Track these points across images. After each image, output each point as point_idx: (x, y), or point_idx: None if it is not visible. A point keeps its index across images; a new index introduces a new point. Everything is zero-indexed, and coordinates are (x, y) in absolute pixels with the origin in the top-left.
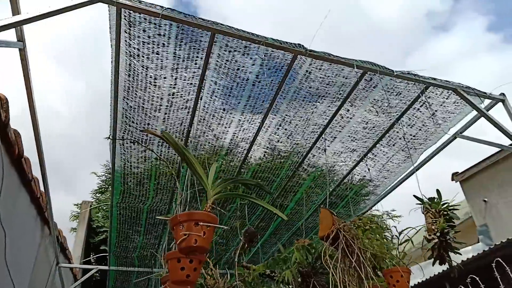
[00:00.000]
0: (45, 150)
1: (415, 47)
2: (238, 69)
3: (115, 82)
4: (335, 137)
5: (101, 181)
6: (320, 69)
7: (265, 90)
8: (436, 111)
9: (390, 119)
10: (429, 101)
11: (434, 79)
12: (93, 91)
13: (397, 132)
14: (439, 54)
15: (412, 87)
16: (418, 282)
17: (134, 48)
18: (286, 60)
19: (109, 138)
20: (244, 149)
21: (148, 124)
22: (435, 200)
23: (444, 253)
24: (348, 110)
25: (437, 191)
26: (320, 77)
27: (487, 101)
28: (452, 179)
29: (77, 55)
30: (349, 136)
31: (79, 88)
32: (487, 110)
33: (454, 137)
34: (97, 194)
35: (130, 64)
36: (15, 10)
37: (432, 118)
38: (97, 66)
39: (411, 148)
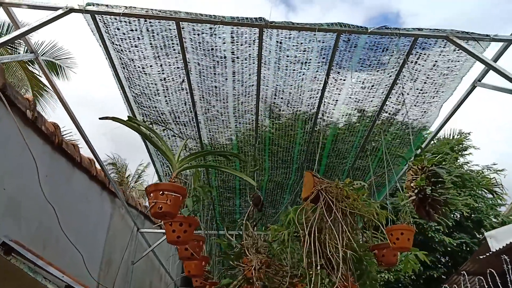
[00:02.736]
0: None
1: None
2: (212, 49)
3: (116, 74)
4: (336, 100)
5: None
6: (289, 38)
7: (246, 64)
8: (436, 61)
9: (390, 76)
10: (424, 52)
11: (420, 29)
12: None
13: (403, 87)
14: None
15: (400, 41)
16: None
17: (117, 44)
18: (255, 34)
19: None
20: (252, 120)
21: (155, 107)
22: (419, 156)
23: (430, 210)
24: (339, 72)
25: (419, 147)
26: (294, 45)
27: (497, 47)
28: None
29: None
30: (350, 97)
31: None
32: (499, 56)
33: (473, 86)
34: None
35: (120, 58)
36: (16, 26)
37: (435, 69)
38: None
39: (423, 103)
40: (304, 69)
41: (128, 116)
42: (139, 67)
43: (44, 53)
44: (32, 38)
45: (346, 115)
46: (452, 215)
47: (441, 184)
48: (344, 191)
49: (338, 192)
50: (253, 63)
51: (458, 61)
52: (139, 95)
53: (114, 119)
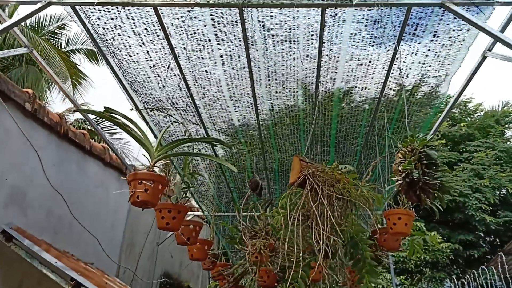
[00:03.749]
0: None
1: None
2: (194, 32)
3: (107, 63)
4: (334, 79)
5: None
6: (271, 16)
7: (233, 45)
8: (436, 32)
9: (388, 50)
10: (421, 22)
11: None
12: None
13: (404, 62)
14: None
15: (393, 12)
16: None
17: (101, 34)
18: (235, 14)
19: (132, 109)
20: (251, 103)
21: (151, 94)
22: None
23: (421, 194)
24: (331, 49)
25: (409, 128)
26: (277, 24)
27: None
28: None
29: None
30: (348, 75)
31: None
32: (508, 23)
33: (483, 56)
34: None
35: (108, 47)
36: (2, 20)
37: (436, 40)
38: None
39: (429, 77)
40: (294, 47)
41: (105, 107)
42: (126, 56)
43: (83, 42)
44: (72, 28)
45: (347, 93)
46: (496, 193)
47: (434, 166)
48: (334, 175)
49: (326, 177)
50: (240, 44)
51: (461, 30)
52: (134, 83)
53: (86, 111)
